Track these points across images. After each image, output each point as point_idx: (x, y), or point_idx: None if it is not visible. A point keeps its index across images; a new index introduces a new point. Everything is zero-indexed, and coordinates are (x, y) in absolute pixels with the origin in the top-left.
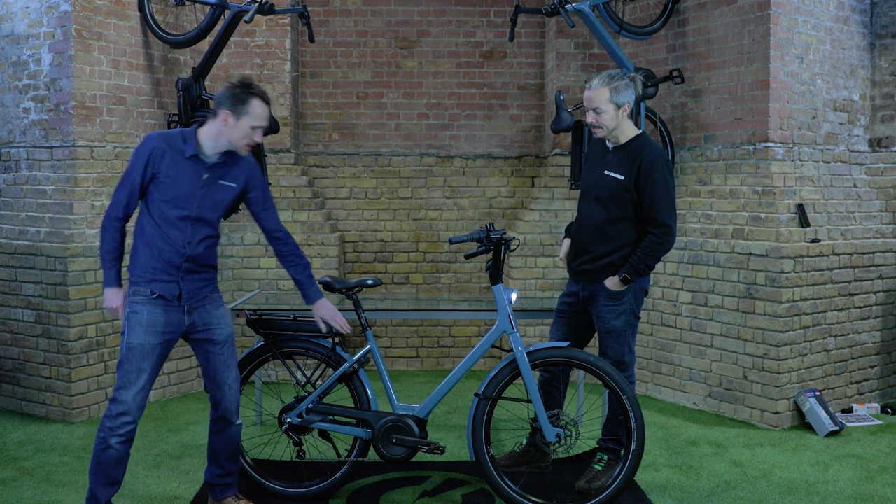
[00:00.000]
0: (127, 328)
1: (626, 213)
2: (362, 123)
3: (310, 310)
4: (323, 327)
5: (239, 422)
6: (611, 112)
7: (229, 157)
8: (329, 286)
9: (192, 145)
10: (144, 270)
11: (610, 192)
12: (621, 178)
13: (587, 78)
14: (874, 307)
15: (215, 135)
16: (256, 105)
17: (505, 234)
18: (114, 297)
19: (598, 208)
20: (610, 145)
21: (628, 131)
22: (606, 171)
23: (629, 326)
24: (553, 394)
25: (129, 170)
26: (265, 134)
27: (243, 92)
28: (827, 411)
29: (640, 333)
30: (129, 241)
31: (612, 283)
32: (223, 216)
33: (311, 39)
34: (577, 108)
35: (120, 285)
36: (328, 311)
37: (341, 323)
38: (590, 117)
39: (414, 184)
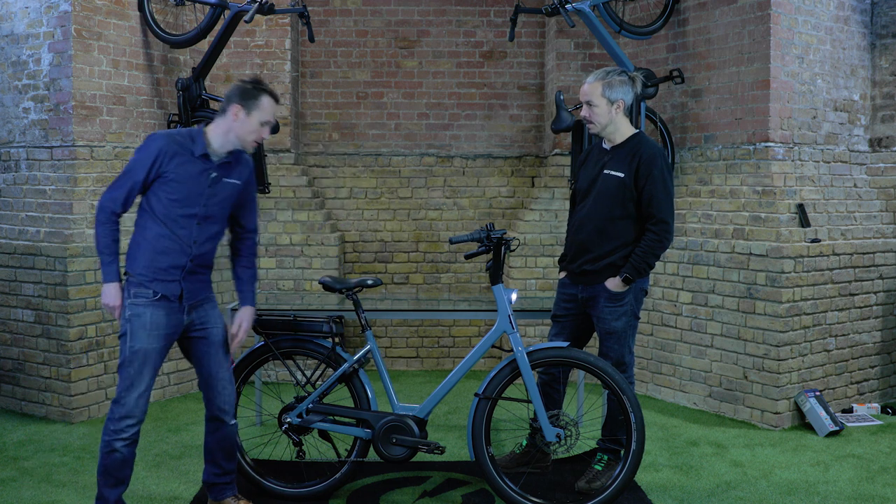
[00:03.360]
0: (129, 331)
1: (627, 212)
2: (362, 123)
3: (310, 310)
4: (234, 329)
5: (233, 422)
6: (603, 107)
7: (233, 155)
8: (329, 286)
9: (202, 145)
10: (147, 270)
11: (610, 190)
12: (621, 175)
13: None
14: (874, 307)
15: (225, 132)
16: (266, 101)
17: (505, 234)
18: (114, 295)
19: (598, 207)
20: (607, 146)
21: (625, 130)
22: (606, 170)
23: (630, 327)
24: (553, 394)
25: (132, 167)
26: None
27: (254, 88)
28: (827, 411)
29: (640, 333)
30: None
31: (613, 284)
32: (229, 213)
33: (311, 39)
34: (577, 108)
35: (119, 281)
36: (246, 320)
37: (243, 335)
38: (584, 111)
39: (414, 184)
